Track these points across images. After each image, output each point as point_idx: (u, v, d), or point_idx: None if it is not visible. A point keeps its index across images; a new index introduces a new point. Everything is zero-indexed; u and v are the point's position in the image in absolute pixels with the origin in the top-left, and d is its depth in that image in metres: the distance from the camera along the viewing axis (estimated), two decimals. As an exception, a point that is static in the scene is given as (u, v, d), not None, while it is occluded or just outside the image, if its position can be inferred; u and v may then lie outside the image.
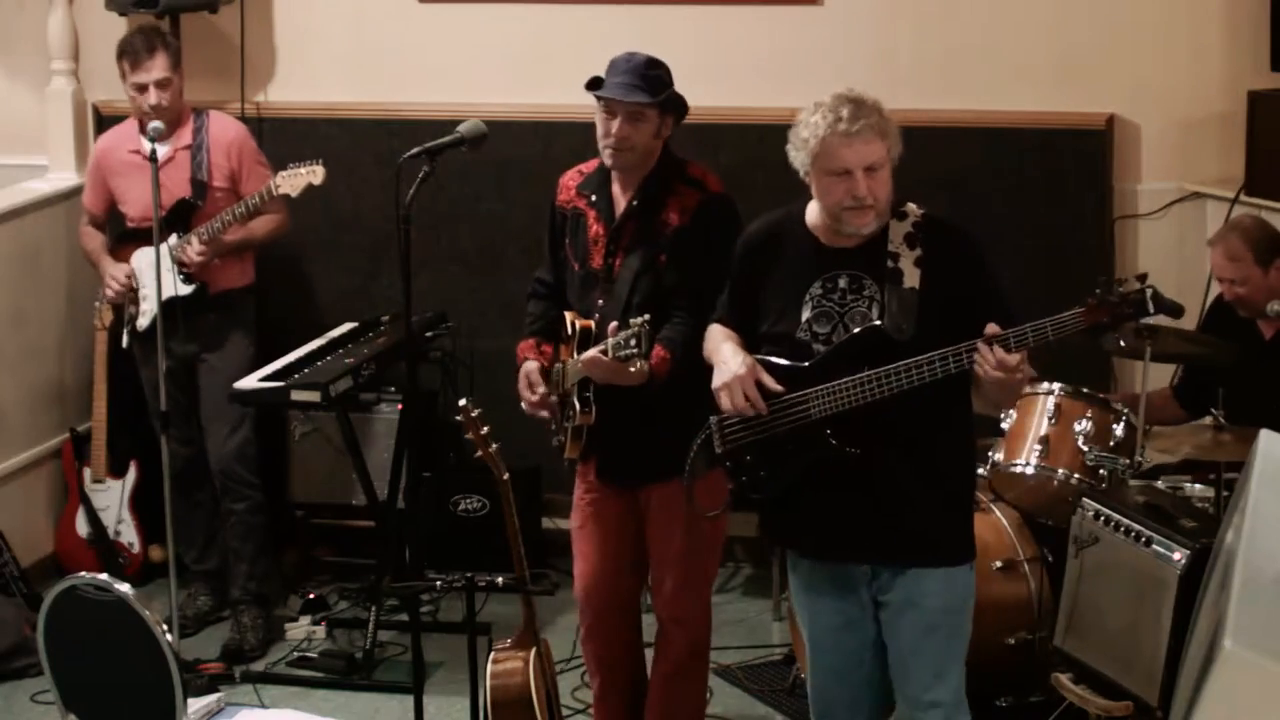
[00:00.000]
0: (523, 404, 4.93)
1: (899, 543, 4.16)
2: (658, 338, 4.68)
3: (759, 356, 4.19)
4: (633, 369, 4.57)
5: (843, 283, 4.15)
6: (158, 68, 6.02)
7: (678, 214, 4.77)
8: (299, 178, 5.96)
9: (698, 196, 4.79)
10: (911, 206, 4.18)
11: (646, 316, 4.54)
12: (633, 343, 4.51)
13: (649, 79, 4.76)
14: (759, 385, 4.15)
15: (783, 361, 4.16)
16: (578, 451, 4.89)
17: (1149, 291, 3.87)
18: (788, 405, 4.14)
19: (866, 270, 4.13)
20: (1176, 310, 3.97)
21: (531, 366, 4.91)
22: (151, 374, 6.10)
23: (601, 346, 4.61)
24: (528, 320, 5.07)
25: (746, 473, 4.25)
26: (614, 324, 4.60)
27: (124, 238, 6.27)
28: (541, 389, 4.87)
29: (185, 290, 6.04)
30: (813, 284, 4.17)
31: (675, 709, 5.07)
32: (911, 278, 4.09)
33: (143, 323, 6.11)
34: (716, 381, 4.21)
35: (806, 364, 4.14)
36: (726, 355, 4.23)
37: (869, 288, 4.12)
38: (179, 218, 6.05)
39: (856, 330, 4.10)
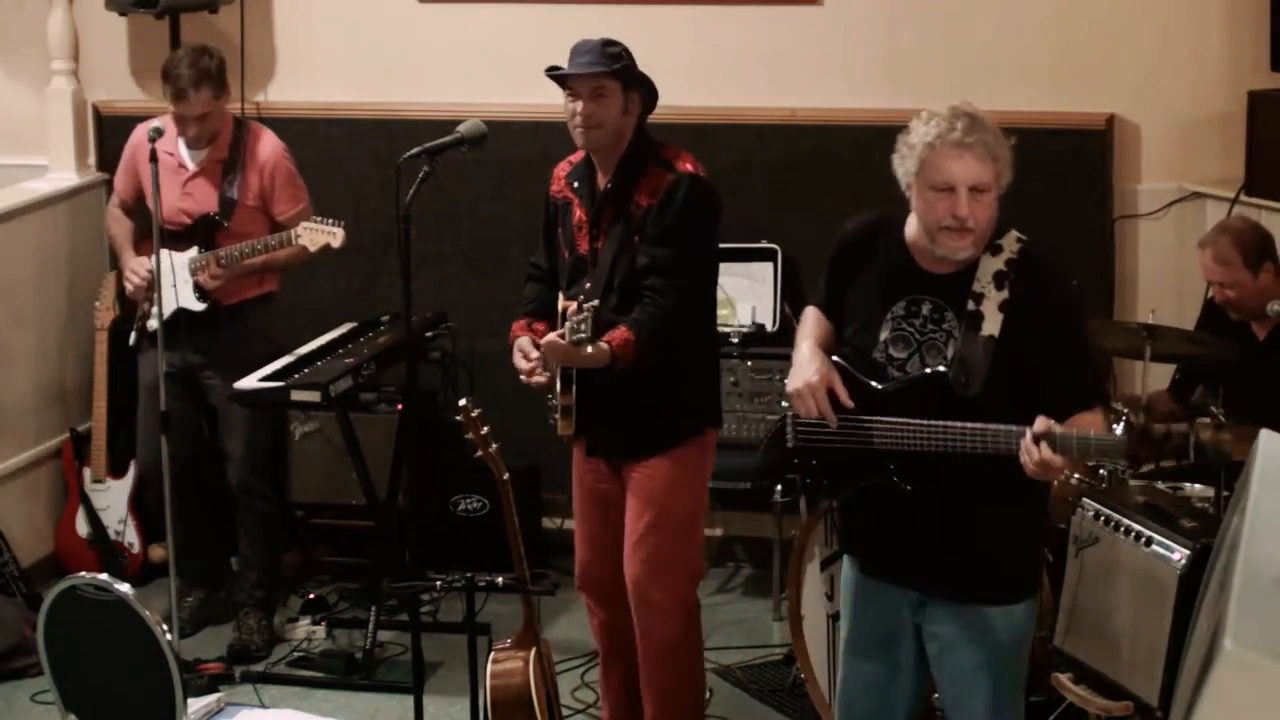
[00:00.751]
0: (520, 375, 4.94)
1: (955, 579, 4.08)
2: (627, 320, 4.76)
3: (837, 360, 4.12)
4: (585, 351, 4.64)
5: (925, 309, 4.02)
6: (199, 104, 5.91)
7: (648, 194, 4.85)
8: (320, 235, 5.86)
9: (668, 176, 4.84)
10: (1010, 238, 4.01)
11: (595, 302, 4.63)
12: (581, 327, 4.58)
13: (605, 55, 4.87)
14: (832, 394, 4.07)
15: (857, 375, 4.08)
16: (570, 429, 4.94)
17: (1193, 437, 3.76)
18: (856, 424, 4.07)
19: (951, 303, 3.99)
20: (1222, 459, 3.95)
21: (524, 340, 4.96)
22: (149, 374, 6.08)
23: (561, 330, 4.70)
24: (523, 301, 5.14)
25: (810, 475, 4.22)
26: (572, 307, 4.69)
27: (149, 233, 6.20)
28: (535, 355, 4.89)
29: (198, 306, 6.00)
30: (896, 302, 4.05)
31: (663, 702, 5.07)
32: (992, 323, 3.94)
33: (153, 324, 6.04)
34: (790, 385, 4.14)
35: (880, 387, 4.05)
36: (803, 357, 4.14)
37: (949, 321, 4.00)
38: (203, 233, 6.00)
39: (925, 371, 4.01)
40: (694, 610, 5.10)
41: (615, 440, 4.97)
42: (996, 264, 3.98)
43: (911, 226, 4.05)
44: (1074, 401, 3.95)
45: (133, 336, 6.20)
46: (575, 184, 4.99)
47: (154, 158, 5.62)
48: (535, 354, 4.89)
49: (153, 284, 6.02)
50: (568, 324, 4.66)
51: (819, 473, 4.20)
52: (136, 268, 6.10)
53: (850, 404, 4.06)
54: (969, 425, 3.90)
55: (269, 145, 6.10)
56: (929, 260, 4.02)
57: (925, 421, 3.96)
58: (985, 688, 4.12)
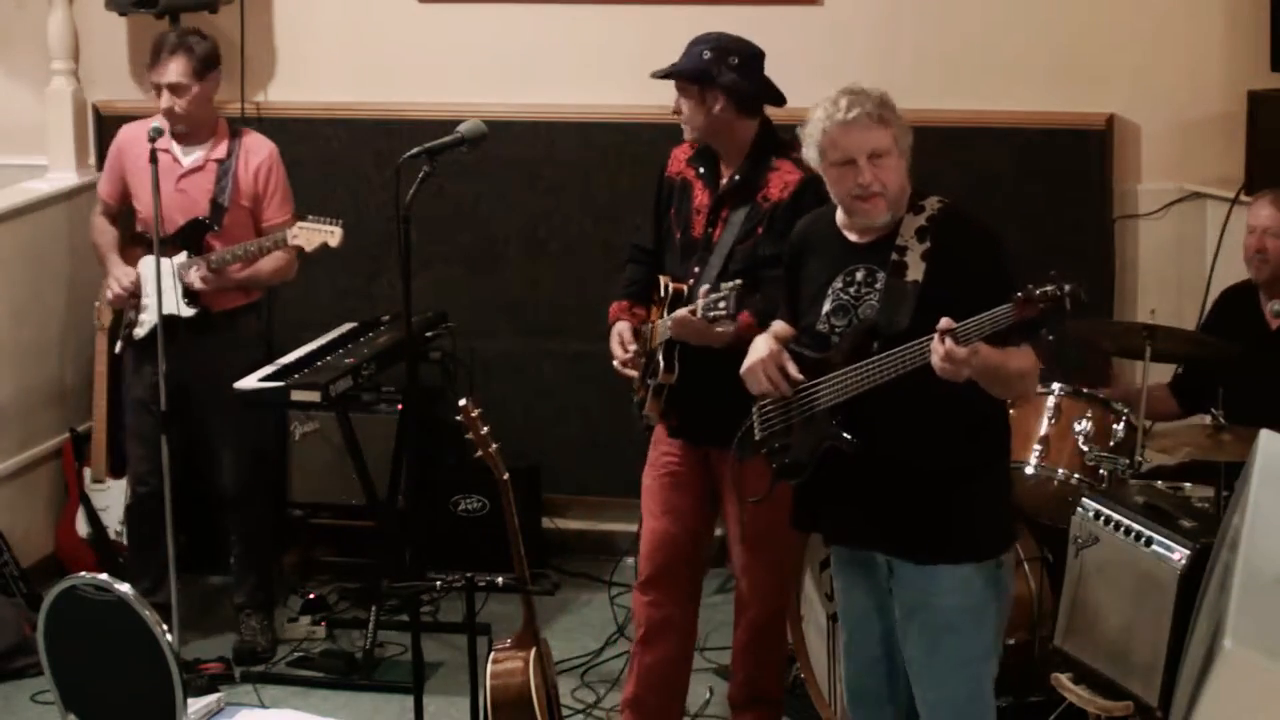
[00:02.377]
0: (614, 362, 5.07)
1: (910, 537, 4.20)
2: (748, 307, 4.83)
3: (789, 346, 4.31)
4: (719, 329, 4.74)
5: (859, 275, 4.23)
6: (172, 72, 5.90)
7: (779, 189, 4.94)
8: (316, 235, 5.83)
9: (800, 175, 4.92)
10: (932, 200, 4.22)
11: (739, 281, 4.69)
12: (722, 304, 4.65)
13: (688, 54, 5.00)
14: (784, 372, 4.26)
15: (804, 352, 4.28)
16: (657, 410, 5.02)
17: (1067, 288, 3.90)
18: (803, 394, 4.25)
19: (879, 263, 4.19)
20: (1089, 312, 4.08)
21: (623, 326, 5.10)
22: (136, 386, 6.06)
23: (692, 306, 4.78)
24: (623, 283, 5.24)
25: (777, 458, 4.35)
26: (705, 286, 4.78)
27: (136, 240, 6.15)
28: (633, 347, 5.03)
29: (188, 312, 5.93)
30: (835, 278, 4.26)
31: (758, 673, 5.24)
32: (915, 270, 4.13)
33: (139, 332, 6.01)
34: (743, 368, 4.34)
35: (820, 355, 4.24)
36: (756, 342, 4.37)
37: (880, 280, 4.18)
38: (191, 237, 5.96)
39: (857, 324, 4.18)
40: (786, 589, 5.27)
41: (710, 425, 4.95)
42: (918, 221, 4.19)
43: (839, 209, 4.29)
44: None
45: (118, 345, 6.15)
46: (701, 168, 5.07)
47: (154, 158, 5.61)
48: (635, 345, 5.02)
49: (137, 292, 6.01)
50: (702, 300, 4.72)
51: (783, 452, 4.33)
52: (120, 277, 6.05)
53: (799, 377, 4.26)
54: (889, 351, 4.08)
55: (264, 149, 6.07)
56: (858, 233, 4.25)
57: (855, 365, 4.14)
58: (941, 652, 4.21)
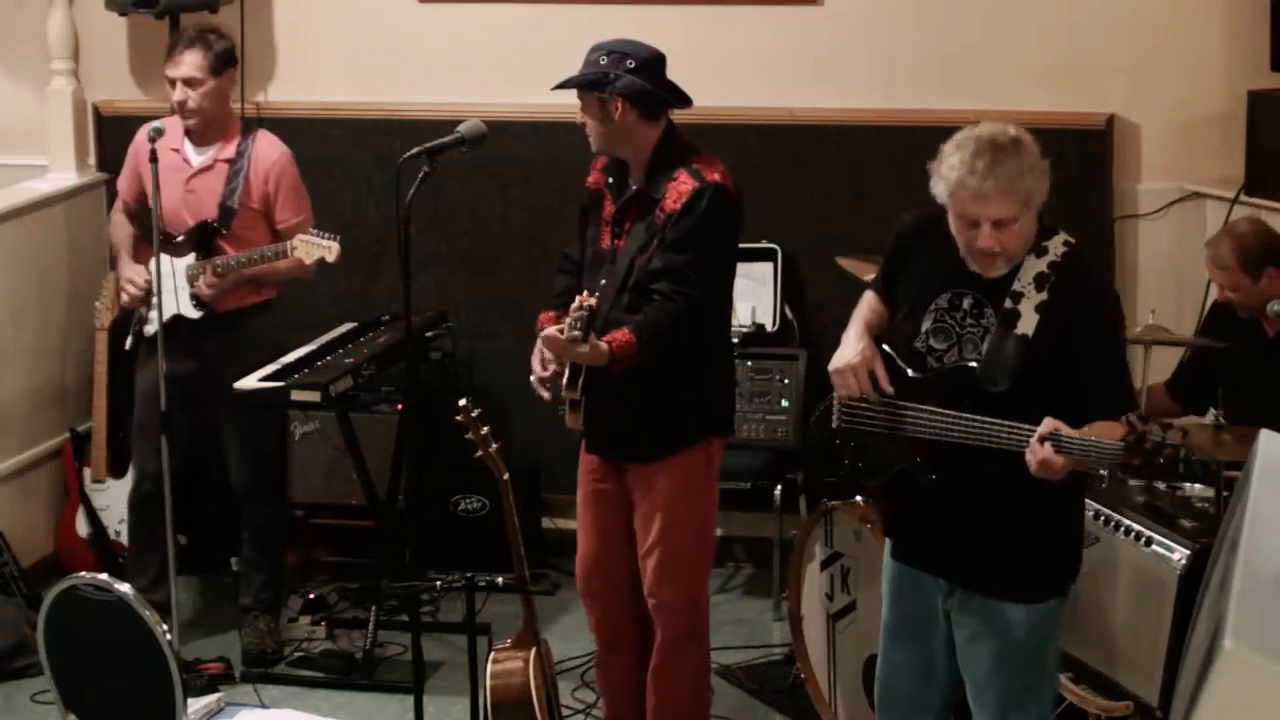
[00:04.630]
0: (531, 377, 4.90)
1: (980, 573, 4.13)
2: (631, 321, 4.74)
3: (884, 348, 4.21)
4: (580, 349, 4.62)
5: (967, 303, 4.10)
6: (186, 65, 5.88)
7: (674, 201, 4.81)
8: (315, 249, 5.79)
9: (694, 185, 4.81)
10: (1057, 241, 4.10)
11: (593, 301, 4.62)
12: (577, 324, 4.59)
13: (586, 63, 4.88)
14: (873, 376, 4.17)
15: (899, 363, 4.17)
16: (577, 423, 4.90)
17: (1183, 452, 3.82)
18: (891, 409, 4.16)
19: (991, 299, 4.08)
20: (1204, 480, 4.06)
21: (549, 331, 4.89)
22: (147, 381, 6.06)
23: (560, 325, 4.67)
24: (553, 293, 5.11)
25: (849, 457, 4.29)
26: (576, 303, 4.66)
27: (148, 238, 6.06)
28: (553, 367, 4.83)
29: (194, 314, 5.94)
30: (941, 294, 4.14)
31: (665, 701, 5.09)
32: (1027, 323, 4.01)
33: (150, 329, 6.00)
34: (832, 364, 4.25)
35: (914, 375, 4.13)
36: (850, 338, 4.26)
37: (988, 317, 4.07)
38: (201, 240, 5.95)
39: (956, 364, 4.08)
40: (704, 608, 5.11)
41: (616, 440, 4.96)
42: (1039, 266, 4.06)
43: None
44: (1099, 407, 3.98)
45: (128, 341, 6.16)
46: (611, 178, 4.97)
47: (154, 158, 5.60)
48: (555, 366, 4.82)
49: (150, 292, 6.00)
50: (568, 319, 4.64)
51: (856, 456, 4.27)
52: (134, 277, 6.04)
53: (889, 389, 4.16)
54: (984, 420, 3.97)
55: (275, 150, 6.04)
56: None
57: (946, 411, 4.04)
58: (1002, 682, 4.16)
